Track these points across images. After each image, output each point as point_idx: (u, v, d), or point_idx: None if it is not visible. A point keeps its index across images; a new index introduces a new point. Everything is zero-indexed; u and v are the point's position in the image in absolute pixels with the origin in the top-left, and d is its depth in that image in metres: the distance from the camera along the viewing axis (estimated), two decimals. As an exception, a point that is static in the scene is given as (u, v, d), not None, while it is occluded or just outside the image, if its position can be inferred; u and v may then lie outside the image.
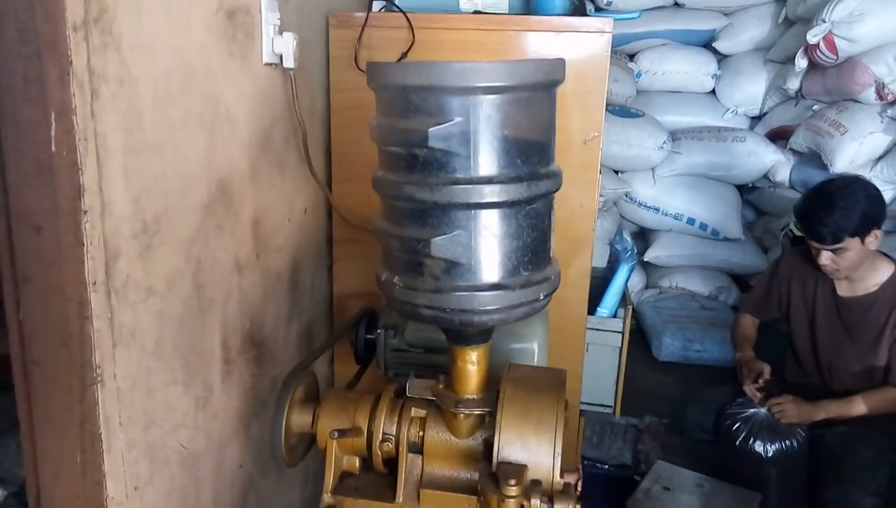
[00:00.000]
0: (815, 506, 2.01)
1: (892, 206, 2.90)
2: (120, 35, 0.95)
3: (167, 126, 1.08)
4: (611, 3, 3.73)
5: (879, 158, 2.92)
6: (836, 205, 1.93)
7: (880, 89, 2.87)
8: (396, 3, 1.70)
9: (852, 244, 1.95)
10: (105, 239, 0.96)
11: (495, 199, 0.96)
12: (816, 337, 2.18)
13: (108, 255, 0.97)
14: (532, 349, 1.44)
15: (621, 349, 2.27)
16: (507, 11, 1.75)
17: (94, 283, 0.95)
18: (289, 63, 1.41)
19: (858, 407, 2.02)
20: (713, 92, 3.86)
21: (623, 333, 2.27)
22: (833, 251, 1.97)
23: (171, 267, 1.12)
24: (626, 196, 3.72)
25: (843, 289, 2.11)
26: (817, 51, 3.00)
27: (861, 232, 1.94)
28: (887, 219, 2.89)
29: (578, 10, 1.66)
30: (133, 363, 1.04)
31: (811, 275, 2.16)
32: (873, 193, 1.99)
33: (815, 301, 2.17)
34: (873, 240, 1.97)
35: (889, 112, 2.88)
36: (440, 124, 0.94)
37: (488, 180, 0.95)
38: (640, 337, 3.57)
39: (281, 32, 1.39)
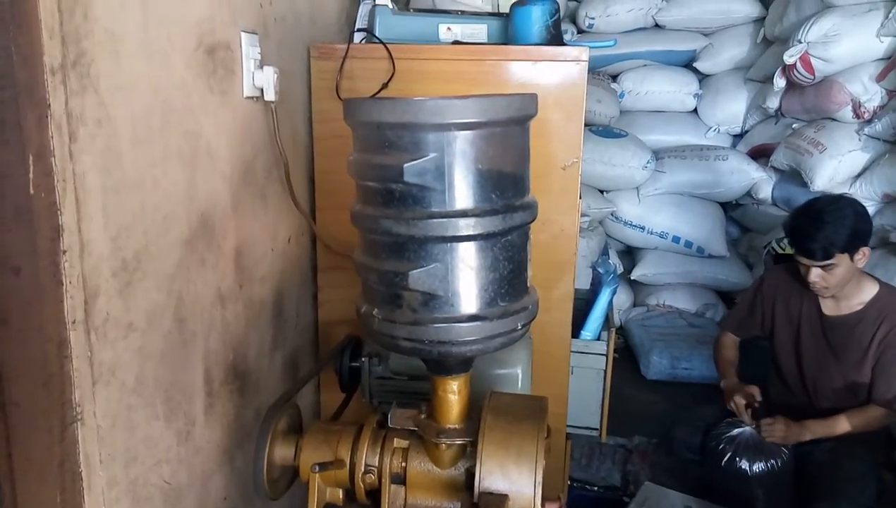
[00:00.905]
0: None
1: (873, 223, 2.94)
2: (98, 76, 0.96)
3: (147, 163, 1.09)
4: (593, 24, 3.79)
5: (858, 175, 2.96)
6: (826, 222, 1.94)
7: (857, 108, 2.92)
8: (377, 34, 1.73)
9: (842, 260, 1.96)
10: (84, 278, 0.97)
11: (471, 232, 0.97)
12: (801, 355, 2.19)
13: (87, 294, 0.97)
14: (516, 374, 1.45)
15: (606, 371, 2.27)
16: (486, 41, 1.78)
17: (74, 322, 0.95)
18: (270, 96, 1.43)
19: (842, 425, 2.04)
20: (695, 111, 3.91)
21: (607, 355, 2.28)
22: (823, 267, 1.98)
23: (152, 302, 1.12)
24: (612, 215, 3.76)
25: (828, 308, 2.12)
26: (794, 70, 3.05)
27: (850, 248, 1.95)
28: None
29: (555, 38, 1.69)
30: (113, 400, 1.05)
31: (796, 293, 2.17)
32: (860, 210, 2.01)
33: (800, 319, 2.18)
34: (861, 257, 1.99)
35: (866, 130, 2.92)
36: (415, 160, 0.95)
37: (464, 214, 0.97)
38: (628, 356, 3.58)
39: (261, 66, 1.41)
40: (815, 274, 2.00)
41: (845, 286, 2.04)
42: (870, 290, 2.08)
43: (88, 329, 0.98)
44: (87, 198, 0.96)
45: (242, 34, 1.36)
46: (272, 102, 1.45)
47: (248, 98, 1.40)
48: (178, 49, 1.16)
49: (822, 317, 2.13)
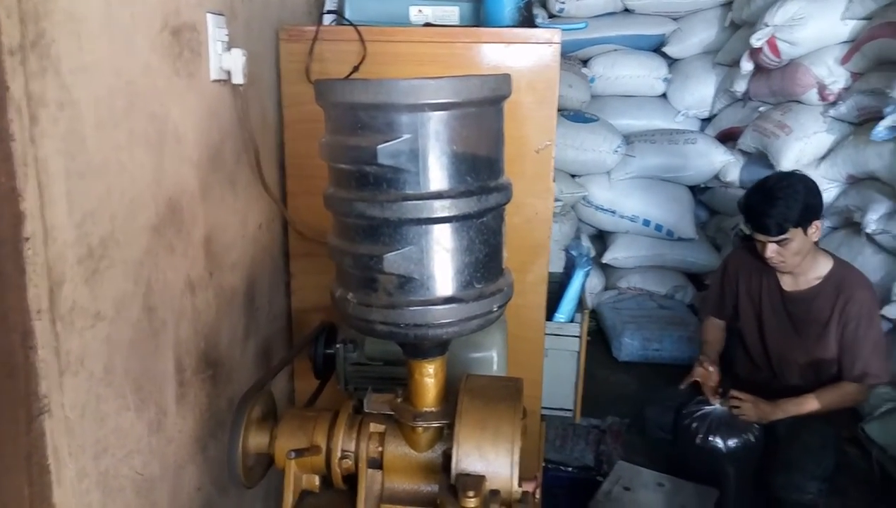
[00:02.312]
0: (766, 492, 2.08)
1: (838, 203, 3.00)
2: (59, 58, 0.93)
3: (112, 147, 1.06)
4: (563, 9, 3.79)
5: (823, 157, 3.02)
6: (778, 198, 2.01)
7: (822, 90, 2.97)
8: (347, 16, 1.71)
9: (796, 234, 2.03)
10: (48, 265, 0.94)
11: (446, 214, 0.97)
12: (765, 331, 2.25)
13: (51, 282, 0.94)
14: (491, 357, 1.45)
15: (580, 353, 2.30)
16: (457, 23, 1.76)
17: (38, 311, 0.93)
18: (238, 79, 1.40)
19: (812, 404, 2.10)
20: (664, 95, 3.94)
21: (581, 337, 2.30)
22: (778, 243, 2.05)
23: (120, 290, 1.10)
24: (584, 199, 3.78)
25: (787, 284, 2.19)
26: (761, 54, 3.09)
27: (803, 222, 2.02)
28: (833, 215, 3.00)
29: (527, 21, 1.68)
30: (82, 391, 1.02)
31: (756, 271, 2.24)
32: (811, 185, 2.08)
33: (761, 296, 2.24)
34: (815, 230, 2.05)
35: (831, 112, 2.97)
36: (389, 141, 0.94)
37: (438, 195, 0.96)
38: (600, 339, 3.62)
39: (229, 49, 1.38)
40: (772, 250, 2.06)
41: (802, 261, 2.10)
42: (825, 265, 2.15)
43: (54, 318, 0.95)
44: (50, 183, 0.93)
45: (209, 15, 1.33)
46: (240, 85, 1.42)
47: (216, 81, 1.37)
48: (141, 30, 1.13)
49: (783, 293, 2.20)
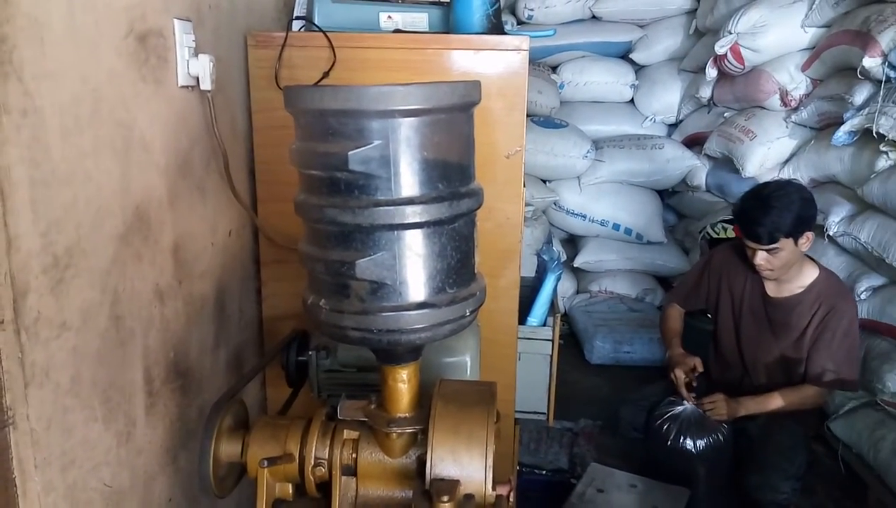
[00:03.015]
0: (739, 493, 2.10)
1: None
2: (21, 64, 0.92)
3: (77, 155, 1.05)
4: (532, 16, 3.83)
5: (786, 161, 3.09)
6: (773, 207, 2.00)
7: (784, 96, 3.05)
8: (316, 22, 1.70)
9: (786, 244, 2.02)
10: (12, 275, 0.92)
11: (417, 220, 0.97)
12: (741, 331, 2.27)
13: (16, 292, 0.93)
14: (464, 362, 1.46)
15: (552, 357, 2.31)
16: (427, 30, 1.77)
17: (2, 322, 0.91)
18: (206, 85, 1.39)
19: (776, 402, 2.13)
20: (632, 101, 4.00)
21: (553, 341, 2.32)
22: (768, 251, 2.04)
23: (86, 300, 1.08)
24: (555, 204, 3.81)
25: (771, 289, 2.20)
26: (725, 60, 3.16)
27: (795, 233, 2.01)
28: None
29: (496, 28, 1.70)
30: (48, 402, 1.00)
31: (742, 273, 2.24)
32: (807, 196, 2.07)
33: (742, 297, 2.25)
34: (805, 241, 2.05)
35: (793, 117, 3.05)
36: (359, 147, 0.94)
37: (410, 201, 0.96)
38: (573, 342, 3.65)
39: (196, 55, 1.37)
40: (761, 257, 2.06)
41: (789, 269, 2.11)
42: (810, 274, 2.16)
43: (18, 328, 0.93)
44: (14, 191, 0.91)
45: (175, 21, 1.31)
46: (208, 92, 1.40)
47: (183, 87, 1.36)
48: (106, 36, 1.11)
49: (765, 298, 2.21)
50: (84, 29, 1.05)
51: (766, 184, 2.16)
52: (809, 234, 2.05)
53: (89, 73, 1.07)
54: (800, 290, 2.16)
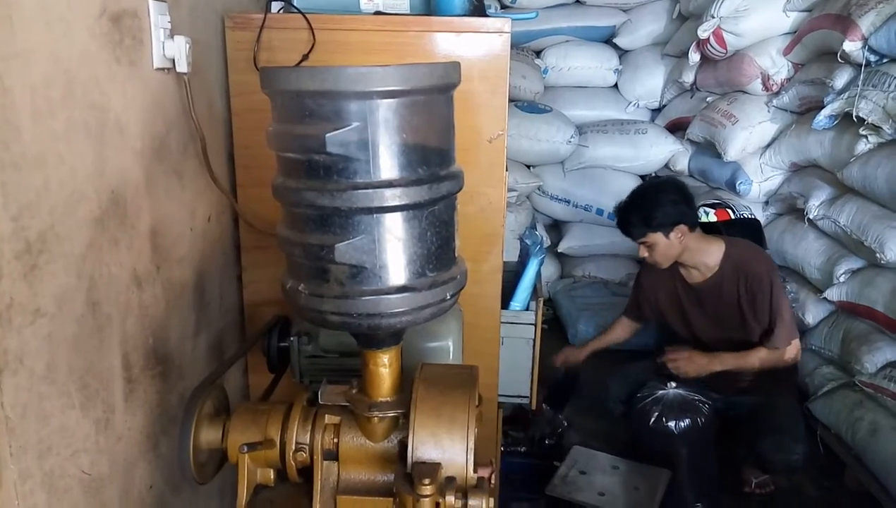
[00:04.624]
0: (752, 457, 2.24)
1: (782, 190, 3.09)
2: (-11, 43, 0.89)
3: (49, 137, 1.02)
4: (515, 1, 3.80)
5: (768, 145, 3.11)
6: (640, 205, 2.18)
7: (766, 80, 3.05)
8: (295, 3, 1.68)
9: (656, 238, 2.16)
10: (-17, 260, 0.90)
11: (397, 203, 0.96)
12: (692, 326, 2.36)
13: (-13, 278, 0.91)
14: (447, 346, 1.46)
15: (535, 341, 2.32)
16: (408, 12, 1.75)
17: (-27, 308, 0.89)
18: (182, 67, 1.36)
19: (752, 360, 2.21)
20: (616, 86, 4.00)
21: (536, 325, 2.32)
22: (643, 244, 2.20)
23: (61, 286, 1.06)
24: (539, 189, 3.81)
25: (691, 278, 2.30)
26: (708, 45, 3.16)
27: (662, 228, 2.15)
28: (777, 201, 3.09)
29: (478, 10, 1.68)
30: (23, 389, 0.99)
31: (667, 275, 2.34)
32: (675, 194, 2.19)
33: (677, 295, 2.35)
34: (679, 234, 2.16)
35: (775, 102, 3.06)
36: (338, 129, 0.93)
37: (389, 184, 0.95)
38: (557, 327, 3.66)
39: (172, 36, 1.34)
40: (641, 250, 2.23)
41: (674, 258, 2.22)
42: (716, 253, 2.24)
43: (-10, 315, 0.92)
44: (-17, 174, 0.90)
45: (150, 1, 1.29)
46: (185, 74, 1.38)
47: (159, 69, 1.33)
48: (79, 16, 1.09)
49: (691, 288, 2.30)
50: (55, 8, 1.03)
51: (644, 182, 2.34)
52: (682, 228, 2.16)
53: (61, 54, 1.05)
54: (716, 268, 2.24)
